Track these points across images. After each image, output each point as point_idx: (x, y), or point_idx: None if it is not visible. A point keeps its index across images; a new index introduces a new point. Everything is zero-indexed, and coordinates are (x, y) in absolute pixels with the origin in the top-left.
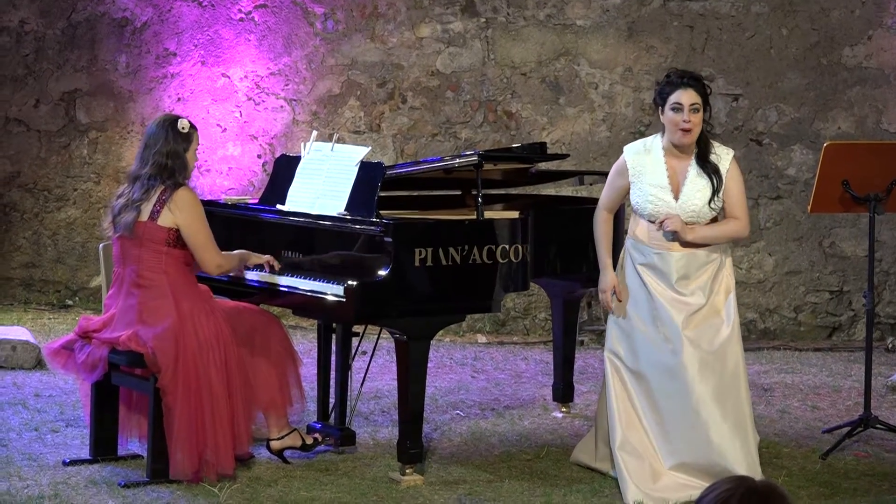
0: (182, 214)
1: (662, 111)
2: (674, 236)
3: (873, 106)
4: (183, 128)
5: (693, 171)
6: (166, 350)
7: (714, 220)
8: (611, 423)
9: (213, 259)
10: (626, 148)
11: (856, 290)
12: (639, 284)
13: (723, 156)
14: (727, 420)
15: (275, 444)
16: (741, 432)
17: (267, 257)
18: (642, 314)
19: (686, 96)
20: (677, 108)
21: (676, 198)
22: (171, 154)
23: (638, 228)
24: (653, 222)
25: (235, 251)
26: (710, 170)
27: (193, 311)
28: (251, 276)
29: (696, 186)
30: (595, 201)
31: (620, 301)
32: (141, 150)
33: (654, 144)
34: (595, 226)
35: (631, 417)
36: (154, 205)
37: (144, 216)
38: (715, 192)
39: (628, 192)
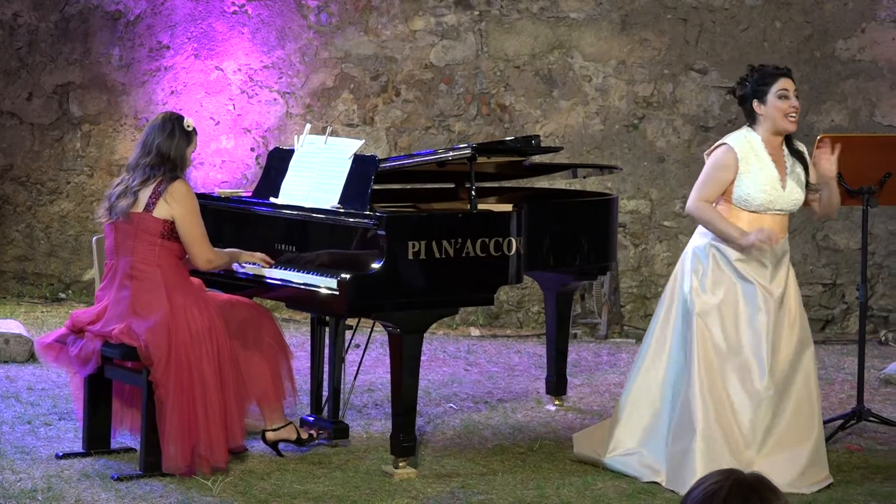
0: (177, 207)
1: (762, 102)
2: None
3: (867, 99)
4: (188, 126)
5: (790, 161)
6: (159, 343)
7: None
8: (694, 414)
9: (204, 253)
10: (730, 142)
11: (849, 283)
12: (733, 281)
13: (801, 147)
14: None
15: (270, 436)
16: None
17: (260, 255)
18: (742, 310)
19: (789, 84)
20: (784, 94)
21: (783, 187)
22: (174, 148)
23: (739, 223)
24: (756, 213)
25: (227, 249)
26: (799, 157)
27: (186, 304)
28: (245, 268)
29: (795, 175)
30: (590, 194)
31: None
32: (143, 140)
33: (752, 136)
34: (706, 214)
35: (721, 408)
36: (150, 196)
37: (140, 206)
38: (807, 178)
39: (727, 187)
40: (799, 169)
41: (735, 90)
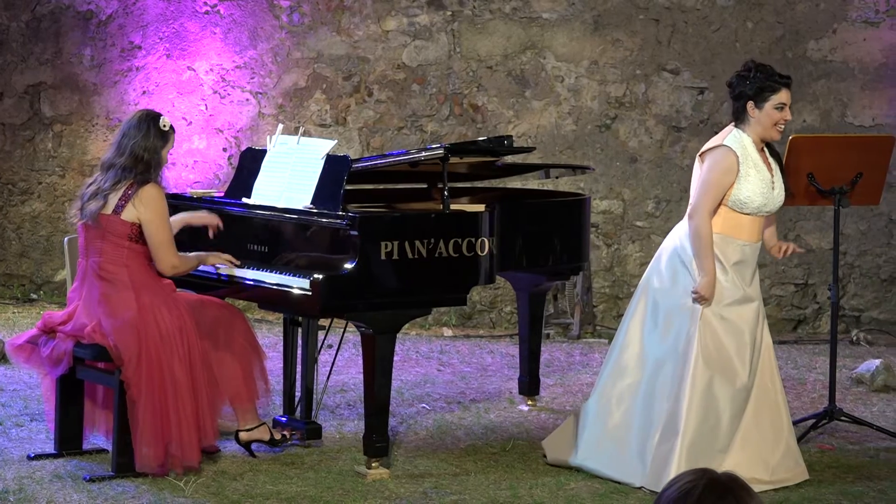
0: (145, 211)
1: (758, 106)
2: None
3: (838, 99)
4: (164, 125)
5: (773, 162)
6: (128, 342)
7: None
8: (681, 417)
9: (170, 259)
10: (730, 145)
11: (821, 283)
12: (723, 285)
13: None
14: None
15: (243, 436)
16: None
17: (226, 256)
18: (730, 313)
19: (788, 96)
20: (781, 107)
21: (773, 189)
22: (148, 148)
23: (727, 223)
24: (748, 214)
25: (192, 253)
26: (777, 159)
27: (154, 304)
28: (217, 269)
29: (779, 177)
30: (562, 194)
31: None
32: (118, 139)
33: (745, 139)
34: (704, 236)
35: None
36: (119, 198)
37: (109, 209)
38: (784, 179)
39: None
40: (779, 171)
41: (733, 84)
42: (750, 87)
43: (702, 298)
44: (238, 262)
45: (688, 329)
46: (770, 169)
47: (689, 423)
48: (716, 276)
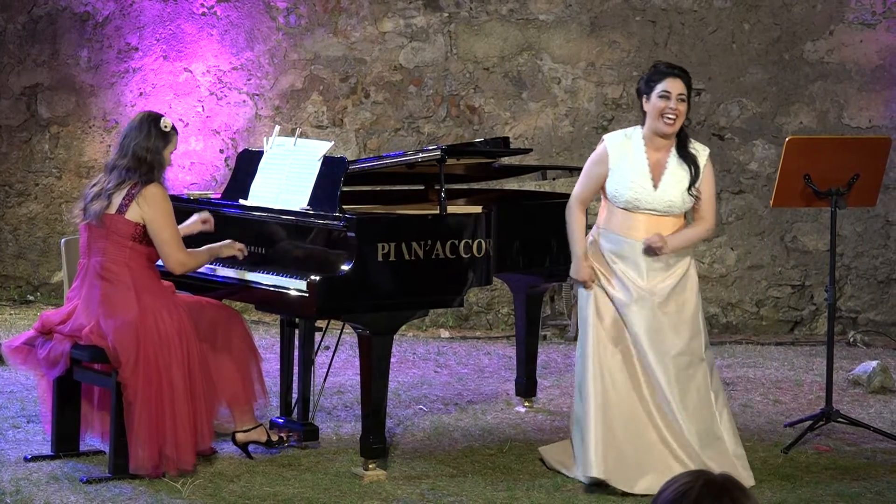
0: (149, 210)
1: (648, 99)
2: (653, 250)
3: (835, 101)
4: (165, 126)
5: (674, 161)
6: (126, 344)
7: (684, 216)
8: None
9: (177, 257)
10: (606, 137)
11: (817, 285)
12: (611, 271)
13: (700, 151)
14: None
15: (240, 437)
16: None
17: (239, 245)
18: (619, 296)
19: (674, 85)
20: (665, 95)
21: (656, 186)
22: (150, 149)
23: (611, 218)
24: (628, 210)
25: (203, 247)
26: (689, 161)
27: (155, 306)
28: (214, 270)
29: (676, 177)
30: (559, 195)
31: (590, 289)
32: (120, 140)
33: (634, 134)
34: (570, 219)
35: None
36: (123, 198)
37: (113, 208)
38: (692, 183)
39: (604, 182)
40: (684, 173)
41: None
42: (642, 82)
43: (583, 281)
44: (245, 252)
45: (584, 313)
46: (661, 167)
47: (594, 404)
48: (583, 260)
